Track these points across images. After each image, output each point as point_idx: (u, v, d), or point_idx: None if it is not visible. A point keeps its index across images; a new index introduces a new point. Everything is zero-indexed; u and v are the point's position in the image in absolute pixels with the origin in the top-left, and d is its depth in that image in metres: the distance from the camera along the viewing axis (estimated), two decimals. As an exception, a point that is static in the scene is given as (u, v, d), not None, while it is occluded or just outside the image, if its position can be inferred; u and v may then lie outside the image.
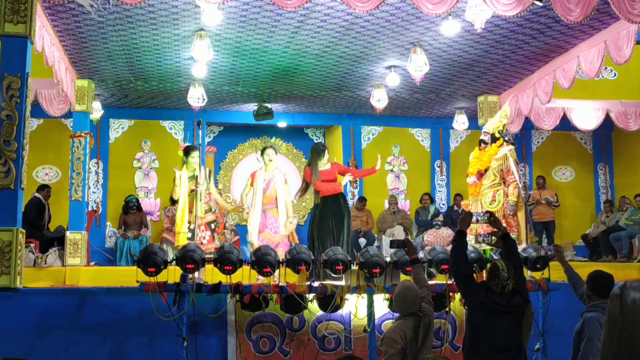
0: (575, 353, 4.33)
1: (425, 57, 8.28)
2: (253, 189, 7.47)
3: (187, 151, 7.24)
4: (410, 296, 4.51)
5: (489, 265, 6.59)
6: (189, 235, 6.82)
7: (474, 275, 5.94)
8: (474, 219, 4.74)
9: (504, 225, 7.49)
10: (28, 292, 6.24)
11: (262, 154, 7.55)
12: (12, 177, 6.01)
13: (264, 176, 7.48)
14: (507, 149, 8.03)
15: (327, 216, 7.26)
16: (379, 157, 7.75)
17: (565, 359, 5.15)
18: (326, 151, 7.51)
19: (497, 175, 8.01)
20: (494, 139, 8.23)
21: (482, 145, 8.25)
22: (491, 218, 4.69)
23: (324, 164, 7.44)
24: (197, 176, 6.86)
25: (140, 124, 11.73)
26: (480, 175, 8.14)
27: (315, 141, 12.66)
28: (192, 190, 6.92)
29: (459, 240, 4.45)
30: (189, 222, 6.90)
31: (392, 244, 5.64)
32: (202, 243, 6.83)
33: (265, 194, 7.41)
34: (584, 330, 4.22)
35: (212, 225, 7.28)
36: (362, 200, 11.66)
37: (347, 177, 7.64)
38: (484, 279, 4.91)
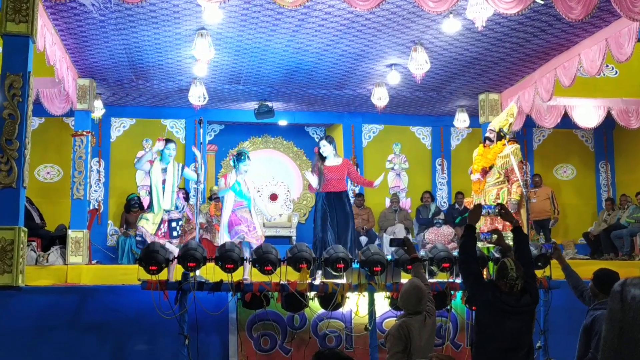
0: (582, 349, 4.30)
1: (426, 55, 8.28)
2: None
3: (165, 143, 7.01)
4: (419, 295, 4.49)
5: (490, 263, 6.61)
6: (152, 227, 6.76)
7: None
8: (484, 211, 4.55)
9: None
10: (30, 290, 6.26)
11: (238, 161, 7.24)
12: (14, 175, 6.02)
13: (236, 179, 7.21)
14: (512, 147, 8.01)
15: (331, 214, 7.31)
16: (382, 175, 8.00)
17: (566, 357, 5.16)
18: (333, 144, 7.80)
19: (502, 174, 7.98)
20: (499, 137, 8.21)
21: (487, 142, 8.22)
22: (502, 210, 4.51)
23: (333, 159, 7.64)
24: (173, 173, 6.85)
25: (141, 122, 11.73)
26: (485, 172, 8.12)
27: (316, 139, 12.66)
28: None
29: (468, 235, 4.25)
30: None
31: (392, 242, 5.65)
32: (158, 236, 6.69)
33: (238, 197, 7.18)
34: (594, 327, 4.20)
35: (174, 224, 6.93)
36: (360, 196, 11.61)
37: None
38: (485, 276, 4.87)
